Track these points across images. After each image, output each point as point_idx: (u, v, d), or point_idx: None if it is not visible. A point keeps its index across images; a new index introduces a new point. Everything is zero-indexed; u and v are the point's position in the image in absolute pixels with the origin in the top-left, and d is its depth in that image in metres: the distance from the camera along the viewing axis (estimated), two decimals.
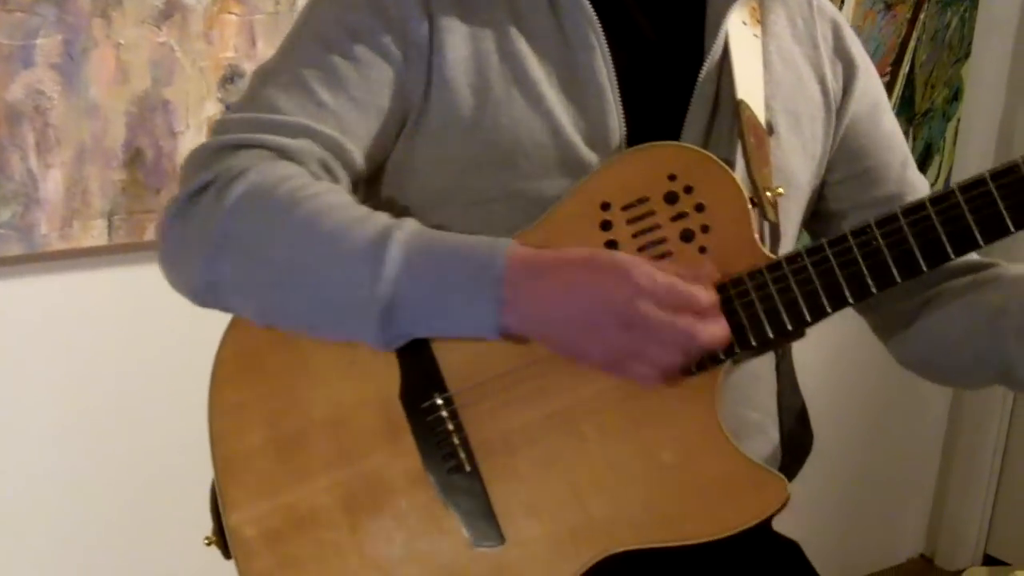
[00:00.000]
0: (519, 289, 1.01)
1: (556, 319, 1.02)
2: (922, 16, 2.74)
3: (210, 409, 1.13)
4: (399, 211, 1.16)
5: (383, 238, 1.02)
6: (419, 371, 1.08)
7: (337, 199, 1.06)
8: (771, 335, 1.06)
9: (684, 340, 1.00)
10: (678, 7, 1.18)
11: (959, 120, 2.92)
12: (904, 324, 1.29)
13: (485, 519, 1.08)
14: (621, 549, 1.07)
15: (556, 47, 1.13)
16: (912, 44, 2.76)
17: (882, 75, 2.68)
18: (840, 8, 2.55)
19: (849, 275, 1.05)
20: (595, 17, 1.12)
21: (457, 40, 1.11)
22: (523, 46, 1.12)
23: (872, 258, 1.05)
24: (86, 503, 1.90)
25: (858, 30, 2.58)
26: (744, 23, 1.18)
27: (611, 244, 1.08)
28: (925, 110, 2.84)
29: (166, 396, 1.77)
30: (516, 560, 1.08)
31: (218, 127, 1.13)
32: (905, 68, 2.76)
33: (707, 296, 1.02)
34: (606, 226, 1.08)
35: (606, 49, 1.12)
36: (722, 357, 1.06)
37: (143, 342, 1.85)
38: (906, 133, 2.78)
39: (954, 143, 2.92)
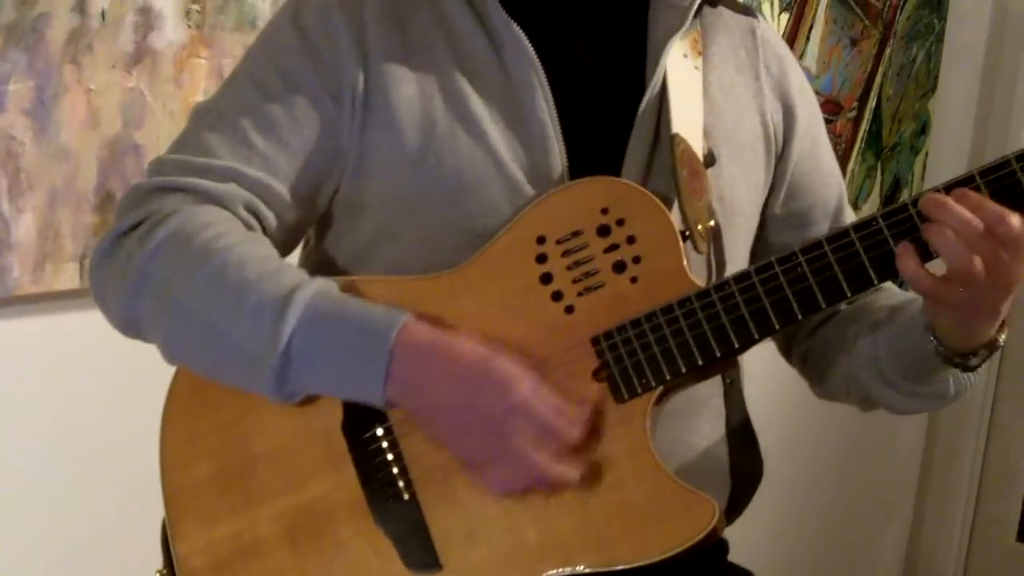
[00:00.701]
0: (406, 367, 1.04)
1: (431, 406, 1.06)
2: (888, 51, 2.77)
3: (161, 442, 1.16)
4: (352, 249, 1.20)
5: (287, 298, 1.05)
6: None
7: (252, 251, 1.09)
8: (700, 361, 1.08)
9: (532, 472, 1.04)
10: (619, 42, 1.21)
11: (927, 154, 2.94)
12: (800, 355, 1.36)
13: (423, 546, 1.10)
14: (554, 573, 1.08)
15: (498, 84, 1.15)
16: (879, 79, 2.77)
17: (848, 110, 2.71)
18: (806, 44, 2.57)
19: (776, 301, 1.07)
20: (535, 57, 1.14)
21: (400, 80, 1.14)
22: (465, 85, 1.14)
23: (798, 284, 1.07)
24: (59, 540, 1.90)
25: (824, 66, 2.61)
26: (685, 55, 1.20)
27: (546, 276, 1.10)
28: (893, 144, 2.86)
29: (139, 438, 1.78)
30: None
31: (153, 167, 1.17)
32: (872, 103, 2.78)
33: (573, 435, 1.05)
34: (541, 259, 1.10)
35: (547, 87, 1.15)
36: (653, 384, 1.08)
37: (115, 385, 1.85)
38: (874, 167, 2.80)
39: (923, 177, 2.93)
